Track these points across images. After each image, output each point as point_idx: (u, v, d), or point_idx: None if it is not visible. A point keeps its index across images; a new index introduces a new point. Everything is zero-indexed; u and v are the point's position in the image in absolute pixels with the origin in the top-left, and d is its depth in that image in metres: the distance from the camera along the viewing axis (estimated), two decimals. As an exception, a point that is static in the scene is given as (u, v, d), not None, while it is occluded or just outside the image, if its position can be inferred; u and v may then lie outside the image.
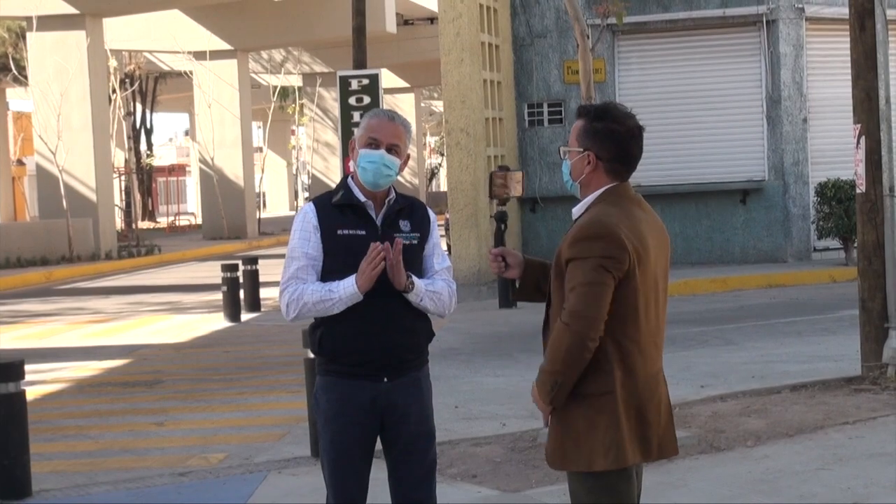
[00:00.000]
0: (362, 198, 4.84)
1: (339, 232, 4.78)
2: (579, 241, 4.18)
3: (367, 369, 4.77)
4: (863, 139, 9.96)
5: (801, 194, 20.87)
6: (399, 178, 4.91)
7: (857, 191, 10.13)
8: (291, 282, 4.79)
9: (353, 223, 4.80)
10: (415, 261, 4.84)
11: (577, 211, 4.36)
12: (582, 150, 4.32)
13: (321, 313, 4.76)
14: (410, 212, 4.91)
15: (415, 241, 4.86)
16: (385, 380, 4.79)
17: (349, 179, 4.91)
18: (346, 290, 4.70)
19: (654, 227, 4.34)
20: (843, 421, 8.64)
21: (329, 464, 4.83)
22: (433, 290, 4.83)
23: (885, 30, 10.08)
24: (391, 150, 4.81)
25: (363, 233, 4.78)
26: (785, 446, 8.03)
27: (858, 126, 10.01)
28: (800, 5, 20.77)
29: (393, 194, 4.89)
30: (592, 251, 4.13)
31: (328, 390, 4.84)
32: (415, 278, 4.78)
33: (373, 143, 4.80)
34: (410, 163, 45.98)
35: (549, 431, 4.29)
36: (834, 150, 20.72)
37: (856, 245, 10.88)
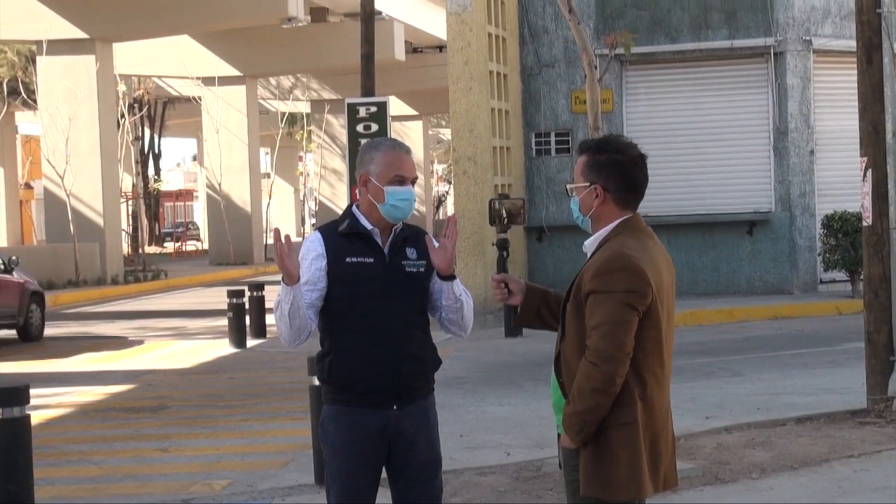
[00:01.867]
0: (369, 226, 4.85)
1: (348, 260, 4.79)
2: (602, 274, 4.16)
3: (377, 398, 4.77)
4: (870, 172, 9.96)
5: (807, 226, 20.86)
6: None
7: (864, 223, 10.12)
8: None
9: (360, 251, 4.81)
10: (422, 288, 4.84)
11: (589, 244, 4.36)
12: (588, 184, 4.34)
13: (292, 320, 4.72)
14: (416, 240, 4.92)
15: (422, 269, 4.87)
16: (394, 408, 4.79)
17: (354, 208, 4.92)
18: (280, 288, 4.74)
19: (665, 258, 4.35)
20: (848, 454, 8.61)
21: (336, 492, 4.82)
22: (465, 289, 4.88)
23: (892, 63, 10.09)
24: (413, 183, 4.88)
25: (371, 260, 4.80)
26: (789, 479, 8.00)
27: (865, 159, 10.01)
28: (807, 38, 20.82)
29: (399, 223, 4.90)
30: (616, 285, 4.12)
31: (337, 419, 4.82)
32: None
33: (399, 180, 4.81)
34: (418, 190, 45.70)
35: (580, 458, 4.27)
36: (841, 182, 20.71)
37: (862, 277, 10.87)
